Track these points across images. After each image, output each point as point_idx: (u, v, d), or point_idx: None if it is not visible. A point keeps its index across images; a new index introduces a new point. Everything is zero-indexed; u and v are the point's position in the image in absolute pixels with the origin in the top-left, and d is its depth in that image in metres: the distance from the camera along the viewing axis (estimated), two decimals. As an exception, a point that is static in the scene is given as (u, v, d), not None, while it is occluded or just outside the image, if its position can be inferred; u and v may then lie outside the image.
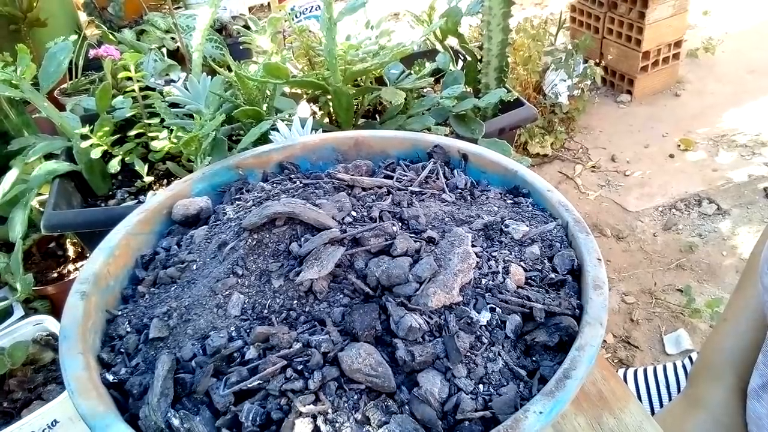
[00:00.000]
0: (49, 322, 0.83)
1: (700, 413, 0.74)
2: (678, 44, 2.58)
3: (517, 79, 2.34)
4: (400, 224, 0.51)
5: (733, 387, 0.74)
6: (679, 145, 2.38)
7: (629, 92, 2.67)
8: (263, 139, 0.81)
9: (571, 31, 2.87)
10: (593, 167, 2.34)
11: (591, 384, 0.69)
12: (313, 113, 1.07)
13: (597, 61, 2.66)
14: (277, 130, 0.78)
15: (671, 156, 2.33)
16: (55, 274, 1.03)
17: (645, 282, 1.83)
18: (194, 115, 0.86)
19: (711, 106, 2.58)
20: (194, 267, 0.51)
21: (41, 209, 0.98)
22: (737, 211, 2.03)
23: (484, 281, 0.45)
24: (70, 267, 1.04)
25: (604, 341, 1.67)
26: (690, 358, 0.93)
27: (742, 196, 2.09)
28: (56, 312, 0.93)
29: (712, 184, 2.16)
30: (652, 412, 0.88)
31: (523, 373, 0.40)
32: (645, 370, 0.95)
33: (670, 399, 0.88)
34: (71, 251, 1.07)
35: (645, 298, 1.79)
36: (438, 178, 0.59)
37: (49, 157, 0.96)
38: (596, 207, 2.14)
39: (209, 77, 0.89)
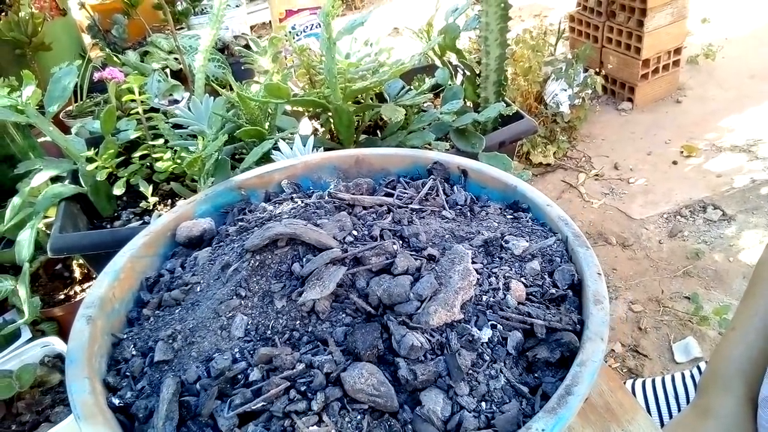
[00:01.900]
0: (56, 344, 0.84)
1: (710, 424, 0.73)
2: (678, 51, 2.58)
3: (518, 90, 2.35)
4: (400, 242, 0.51)
5: (743, 396, 0.74)
6: (682, 152, 2.37)
7: (630, 100, 2.67)
8: (266, 158, 0.82)
9: (571, 40, 2.88)
10: (596, 175, 2.33)
11: (598, 396, 0.69)
12: (315, 130, 1.08)
13: (597, 69, 2.67)
14: (279, 150, 0.79)
15: (674, 162, 2.33)
16: (62, 296, 1.04)
17: (652, 290, 1.82)
18: (197, 135, 0.87)
19: (713, 112, 2.57)
20: (198, 289, 0.52)
21: (48, 232, 0.99)
22: (742, 217, 2.02)
23: (485, 298, 0.45)
24: (77, 288, 1.05)
25: (613, 350, 1.66)
26: (698, 368, 0.93)
27: (746, 201, 2.08)
28: (64, 333, 0.94)
29: (717, 190, 2.15)
30: (662, 424, 0.87)
31: (525, 389, 0.40)
32: (653, 381, 0.95)
33: (679, 410, 0.87)
34: (78, 273, 1.08)
35: (652, 306, 1.78)
36: (438, 195, 0.59)
37: (55, 179, 0.97)
38: (600, 215, 2.14)
39: (212, 98, 0.91)
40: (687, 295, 1.78)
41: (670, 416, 0.88)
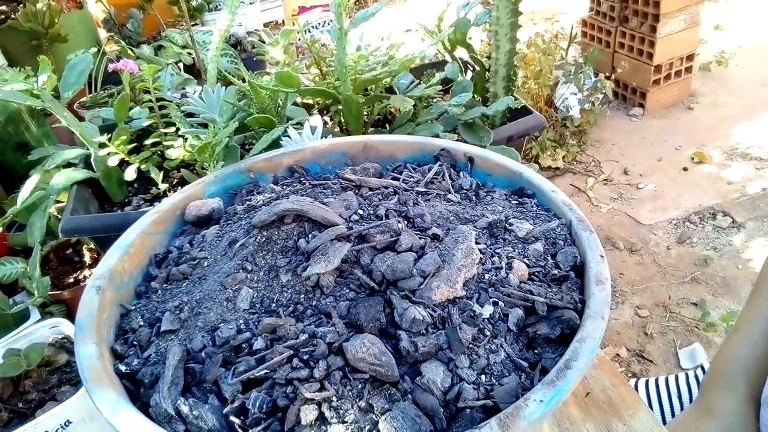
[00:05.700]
0: (64, 326, 0.85)
1: (712, 422, 0.73)
2: (690, 58, 2.58)
3: (529, 93, 2.35)
4: (405, 222, 0.52)
5: (745, 396, 0.74)
6: (692, 158, 2.36)
7: (642, 105, 2.67)
8: (275, 146, 0.83)
9: (583, 45, 2.88)
10: (605, 180, 2.33)
11: (600, 391, 0.69)
12: (325, 123, 1.09)
13: (608, 74, 2.66)
14: (289, 137, 0.80)
15: (685, 169, 2.32)
16: (71, 280, 1.05)
17: (659, 295, 1.81)
18: (208, 123, 0.89)
19: (724, 119, 2.56)
20: (205, 264, 0.52)
21: (59, 216, 1.00)
22: (752, 224, 2.01)
23: (487, 276, 0.46)
24: (86, 273, 1.07)
25: (618, 355, 1.65)
26: (702, 368, 0.92)
27: (756, 208, 2.07)
28: (72, 316, 0.95)
29: (727, 197, 2.14)
30: (664, 422, 0.87)
31: (525, 364, 0.41)
32: (657, 381, 0.94)
33: (682, 409, 0.87)
34: (87, 257, 1.09)
35: (659, 312, 1.77)
36: (444, 180, 0.60)
37: (67, 166, 0.98)
38: (609, 220, 2.13)
39: (224, 87, 0.92)
40: (694, 301, 1.77)
41: (673, 415, 0.87)
